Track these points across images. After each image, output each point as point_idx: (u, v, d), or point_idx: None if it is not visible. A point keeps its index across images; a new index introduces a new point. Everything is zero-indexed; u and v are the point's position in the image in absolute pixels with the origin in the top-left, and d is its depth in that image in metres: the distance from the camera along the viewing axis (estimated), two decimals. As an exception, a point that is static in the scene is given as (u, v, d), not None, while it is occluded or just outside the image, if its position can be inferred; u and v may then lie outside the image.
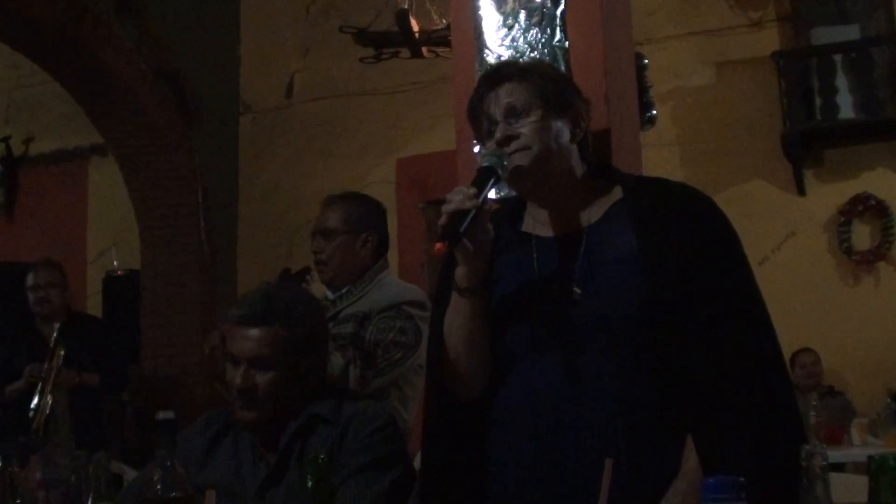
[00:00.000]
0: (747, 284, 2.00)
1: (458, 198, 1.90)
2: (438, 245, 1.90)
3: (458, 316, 2.05)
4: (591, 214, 2.06)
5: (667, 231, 1.97)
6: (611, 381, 1.92)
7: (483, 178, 1.95)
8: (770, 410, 1.90)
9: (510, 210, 2.19)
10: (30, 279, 5.67)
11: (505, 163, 1.98)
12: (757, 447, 1.85)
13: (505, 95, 2.03)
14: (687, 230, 1.97)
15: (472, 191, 1.91)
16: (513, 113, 2.02)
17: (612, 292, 1.95)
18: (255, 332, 2.33)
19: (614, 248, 1.99)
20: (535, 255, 2.06)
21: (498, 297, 2.05)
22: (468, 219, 1.89)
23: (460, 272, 2.01)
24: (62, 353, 5.41)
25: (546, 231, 2.09)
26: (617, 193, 2.08)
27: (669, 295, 1.91)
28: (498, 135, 2.01)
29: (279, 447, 2.34)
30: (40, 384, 5.34)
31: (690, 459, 1.89)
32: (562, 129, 2.03)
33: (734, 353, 1.91)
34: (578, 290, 1.98)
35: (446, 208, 1.90)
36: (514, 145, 1.99)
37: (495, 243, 2.04)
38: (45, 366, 5.38)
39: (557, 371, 1.96)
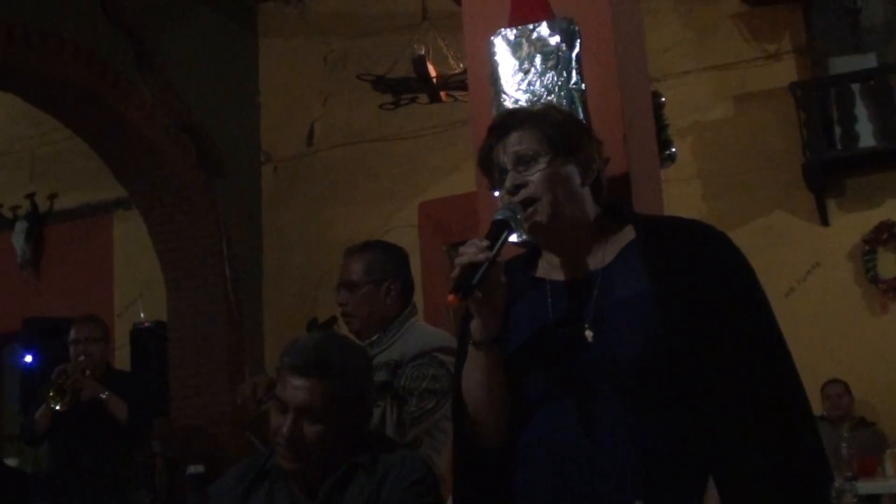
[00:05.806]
0: (764, 320, 1.98)
1: (470, 250, 1.91)
2: (451, 297, 1.91)
3: (475, 370, 2.04)
4: (605, 256, 2.05)
5: (679, 270, 1.96)
6: (625, 423, 1.90)
7: (496, 230, 1.96)
8: (793, 449, 1.87)
9: (525, 257, 2.19)
10: (72, 333, 5.65)
11: (519, 216, 1.99)
12: (780, 488, 1.83)
13: (512, 144, 2.04)
14: (699, 268, 1.96)
15: (485, 243, 1.92)
16: (521, 161, 2.03)
17: (622, 334, 1.94)
18: (306, 382, 2.30)
19: (626, 288, 1.98)
20: (549, 301, 2.06)
21: (514, 344, 2.04)
22: (481, 271, 1.90)
23: (475, 325, 2.01)
24: (87, 371, 5.41)
25: (560, 275, 2.09)
26: (630, 234, 2.07)
27: (681, 335, 1.90)
28: (507, 184, 2.02)
29: (318, 498, 2.33)
30: (56, 387, 5.34)
31: (712, 501, 1.87)
32: (571, 173, 2.04)
33: (753, 392, 1.88)
34: (590, 333, 1.97)
35: (459, 261, 1.91)
36: (522, 193, 2.01)
37: (511, 290, 2.03)
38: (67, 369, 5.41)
39: (572, 416, 1.94)
